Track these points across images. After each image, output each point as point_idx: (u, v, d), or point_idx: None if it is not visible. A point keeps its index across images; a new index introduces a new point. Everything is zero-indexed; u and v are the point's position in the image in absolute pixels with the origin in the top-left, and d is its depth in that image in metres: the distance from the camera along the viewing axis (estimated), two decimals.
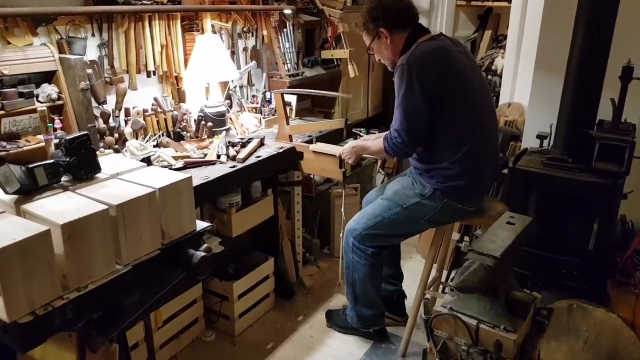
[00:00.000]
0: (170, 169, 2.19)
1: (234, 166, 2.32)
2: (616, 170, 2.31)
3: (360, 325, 2.53)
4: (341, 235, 2.62)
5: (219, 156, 2.38)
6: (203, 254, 1.57)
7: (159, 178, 1.59)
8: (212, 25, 2.63)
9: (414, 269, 3.06)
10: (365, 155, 2.41)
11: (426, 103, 2.02)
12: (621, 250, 2.70)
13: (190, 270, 1.56)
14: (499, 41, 4.27)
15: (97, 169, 1.58)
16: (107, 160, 1.73)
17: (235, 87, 3.05)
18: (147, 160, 1.97)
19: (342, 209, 2.61)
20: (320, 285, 3.07)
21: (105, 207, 1.38)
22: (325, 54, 3.52)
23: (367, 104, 4.14)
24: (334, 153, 2.45)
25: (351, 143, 2.38)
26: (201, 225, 1.70)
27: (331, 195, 3.31)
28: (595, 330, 2.23)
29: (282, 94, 2.63)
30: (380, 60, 2.32)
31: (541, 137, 2.68)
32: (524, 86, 3.07)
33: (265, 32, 3.10)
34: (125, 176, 1.61)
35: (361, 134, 2.61)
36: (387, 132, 2.15)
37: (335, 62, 3.60)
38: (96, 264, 1.36)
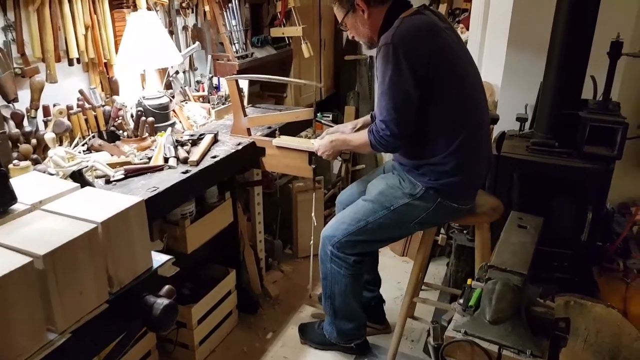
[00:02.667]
0: (109, 181, 1.77)
1: (186, 171, 1.93)
2: (608, 154, 2.14)
3: (341, 340, 2.25)
4: (311, 243, 2.32)
5: (166, 159, 1.98)
6: (166, 301, 1.21)
7: (99, 205, 1.20)
8: (147, 1, 2.18)
9: (386, 265, 2.82)
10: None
11: (416, 87, 1.73)
12: (603, 235, 2.58)
13: (152, 324, 1.20)
14: (455, 15, 4.03)
15: (11, 199, 1.16)
16: (25, 182, 1.31)
17: (175, 73, 2.62)
18: (78, 175, 1.55)
19: (313, 214, 2.29)
20: (287, 293, 2.76)
21: (27, 259, 0.98)
22: (276, 32, 3.13)
23: (320, 84, 3.80)
24: (306, 149, 2.12)
25: (328, 137, 2.06)
26: (159, 259, 1.33)
27: (292, 190, 2.98)
28: (595, 328, 2.08)
29: (236, 81, 2.24)
30: (353, 38, 2.00)
31: (521, 119, 2.47)
32: (493, 64, 2.85)
33: (207, 8, 2.67)
34: (52, 205, 1.20)
35: (331, 124, 2.28)
36: (372, 124, 1.85)
37: (287, 41, 3.23)
38: (18, 338, 0.97)
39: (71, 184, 1.31)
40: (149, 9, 2.23)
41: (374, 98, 4.17)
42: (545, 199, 2.28)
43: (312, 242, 2.33)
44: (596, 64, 2.21)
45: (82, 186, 1.42)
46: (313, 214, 2.30)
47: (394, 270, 2.92)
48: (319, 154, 2.07)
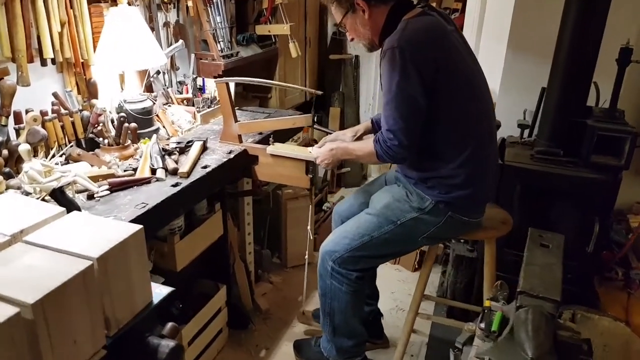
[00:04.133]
0: (92, 197, 1.60)
1: (176, 184, 1.76)
2: (616, 164, 2.08)
3: (340, 358, 2.12)
4: (306, 257, 2.19)
5: (154, 171, 1.81)
6: (171, 343, 1.06)
7: (92, 234, 1.04)
8: None
9: (379, 275, 2.71)
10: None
11: (424, 94, 1.62)
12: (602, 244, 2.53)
13: None
14: None
15: None
16: (0, 207, 1.13)
17: (157, 73, 2.43)
18: (60, 193, 1.37)
19: (309, 227, 2.16)
20: (278, 306, 2.61)
21: (14, 310, 0.82)
22: (262, 30, 2.96)
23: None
24: (304, 157, 1.98)
25: (329, 145, 1.92)
26: (158, 291, 1.18)
27: (281, 197, 2.83)
28: (602, 342, 2.02)
29: (227, 84, 2.08)
30: (353, 40, 1.87)
31: (523, 126, 2.39)
32: (488, 68, 2.75)
33: (190, 3, 2.49)
34: (36, 236, 1.03)
35: (329, 131, 2.15)
36: (378, 133, 1.72)
37: (273, 39, 3.07)
38: None
39: (56, 208, 1.14)
40: (129, 3, 2.04)
41: (359, 99, 4.05)
42: (549, 209, 2.21)
43: (306, 256, 2.20)
44: (599, 70, 2.15)
45: (64, 206, 1.26)
46: (309, 227, 2.16)
47: (387, 279, 2.82)
48: (318, 162, 1.94)
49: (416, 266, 2.88)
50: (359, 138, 2.08)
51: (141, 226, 1.09)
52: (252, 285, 2.52)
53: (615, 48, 2.10)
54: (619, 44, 2.10)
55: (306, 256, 2.21)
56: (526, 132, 2.46)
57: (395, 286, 2.80)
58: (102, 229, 1.07)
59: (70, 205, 1.35)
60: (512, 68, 2.59)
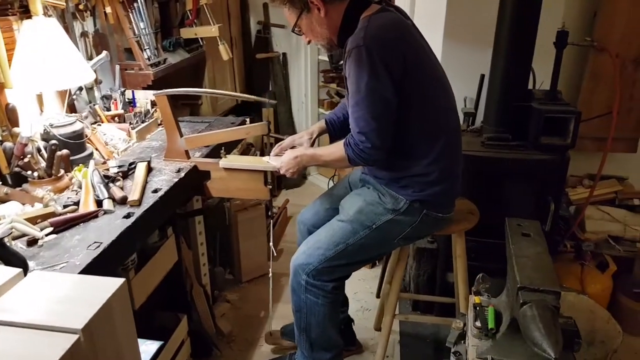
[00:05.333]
0: (34, 243, 1.37)
1: (129, 214, 1.56)
2: (562, 144, 2.15)
3: None
4: (270, 276, 2.07)
5: (99, 202, 1.60)
6: None
7: (66, 298, 0.87)
8: (44, 5, 1.74)
9: None
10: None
11: (394, 92, 1.56)
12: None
13: None
14: None
15: None
16: None
17: (79, 89, 2.18)
18: (1, 247, 1.15)
19: (271, 243, 2.03)
20: (241, 326, 2.47)
21: None
22: (187, 33, 2.77)
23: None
24: (263, 168, 1.85)
25: (291, 152, 1.80)
26: (145, 348, 1.02)
27: (229, 210, 2.67)
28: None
29: (167, 97, 1.90)
30: (310, 42, 1.77)
31: (469, 113, 2.42)
32: None
33: (109, 9, 2.25)
34: None
35: (282, 137, 2.02)
36: (347, 137, 1.64)
37: (200, 42, 2.88)
38: None
39: (10, 271, 0.94)
40: (44, 14, 1.79)
41: (291, 97, 3.94)
42: (504, 193, 2.25)
43: (270, 274, 2.08)
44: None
45: (7, 262, 1.06)
46: (271, 243, 2.04)
47: (349, 280, 2.75)
48: (282, 172, 1.82)
49: (376, 263, 2.84)
50: (314, 140, 2.00)
51: (123, 280, 0.93)
52: (212, 309, 2.35)
53: (545, 32, 2.16)
54: (550, 28, 2.17)
55: (270, 274, 2.09)
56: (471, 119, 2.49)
57: (357, 286, 2.75)
58: (76, 289, 0.90)
59: (15, 260, 1.14)
60: (450, 57, 2.60)
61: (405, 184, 1.70)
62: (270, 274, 2.09)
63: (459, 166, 1.76)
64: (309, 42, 1.76)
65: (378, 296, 2.65)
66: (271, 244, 2.04)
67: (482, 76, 2.50)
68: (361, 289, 2.74)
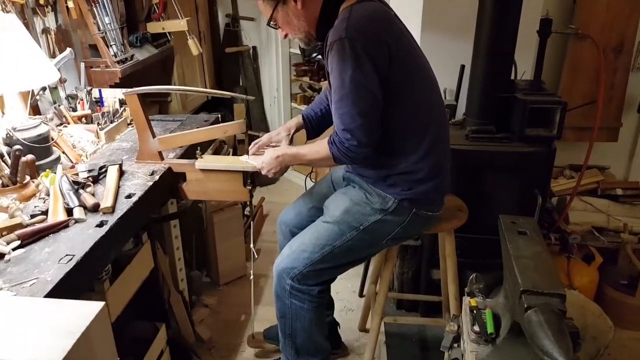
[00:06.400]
0: (2, 258, 1.26)
1: (101, 223, 1.46)
2: (548, 135, 2.13)
3: None
4: (251, 278, 2.00)
5: (69, 210, 1.49)
6: None
7: (40, 326, 0.77)
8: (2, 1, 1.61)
9: None
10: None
11: (380, 86, 1.50)
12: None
13: None
14: None
15: None
16: None
17: (42, 89, 2.04)
18: None
19: (252, 245, 1.95)
20: (220, 332, 2.38)
21: None
22: (155, 27, 2.64)
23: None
24: (241, 169, 1.77)
25: (271, 152, 1.72)
26: None
27: (205, 211, 2.57)
28: None
29: (138, 95, 1.79)
30: (286, 36, 1.69)
31: (451, 106, 2.38)
32: None
33: (71, 4, 2.12)
34: None
35: (258, 134, 1.94)
36: (332, 134, 1.57)
37: (168, 37, 2.75)
38: None
39: None
40: (2, 10, 1.65)
41: (263, 92, 3.85)
42: (489, 187, 2.23)
43: (252, 277, 2.00)
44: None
45: None
46: (252, 245, 1.96)
47: None
48: (263, 173, 1.73)
49: None
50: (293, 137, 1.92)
51: (102, 303, 0.84)
52: (190, 315, 2.26)
53: (525, 21, 2.13)
54: (529, 17, 2.14)
55: (251, 277, 2.02)
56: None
57: (339, 285, 2.69)
58: (51, 316, 0.80)
59: None
60: (428, 49, 2.53)
61: (392, 182, 1.64)
62: (252, 276, 2.01)
63: (448, 162, 1.71)
64: (285, 36, 1.68)
65: (361, 295, 2.61)
66: (252, 245, 1.96)
67: (463, 67, 2.46)
68: (343, 288, 2.69)
